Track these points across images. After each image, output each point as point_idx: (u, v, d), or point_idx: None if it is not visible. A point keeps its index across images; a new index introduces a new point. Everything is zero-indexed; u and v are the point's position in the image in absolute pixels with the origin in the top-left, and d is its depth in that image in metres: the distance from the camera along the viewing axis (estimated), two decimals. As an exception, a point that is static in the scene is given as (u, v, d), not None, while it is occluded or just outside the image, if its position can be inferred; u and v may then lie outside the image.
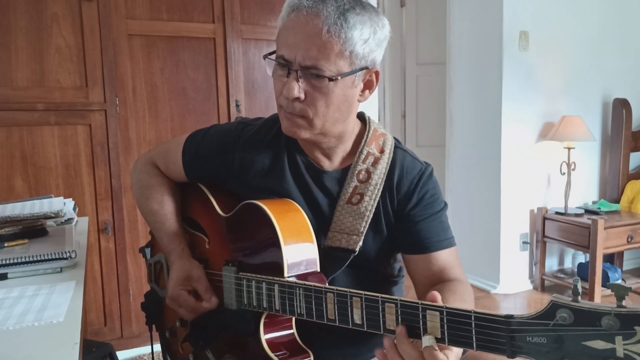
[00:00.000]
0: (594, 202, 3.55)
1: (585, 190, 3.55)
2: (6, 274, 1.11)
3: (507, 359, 0.65)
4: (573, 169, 3.25)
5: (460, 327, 0.68)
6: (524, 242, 3.41)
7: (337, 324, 0.82)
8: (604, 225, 2.99)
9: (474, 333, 0.67)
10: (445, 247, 1.02)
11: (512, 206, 3.33)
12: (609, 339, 0.57)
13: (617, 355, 0.57)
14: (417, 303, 0.72)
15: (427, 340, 0.71)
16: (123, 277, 2.42)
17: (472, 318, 0.66)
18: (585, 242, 3.05)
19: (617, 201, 3.44)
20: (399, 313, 0.73)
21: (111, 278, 2.40)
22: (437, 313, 0.70)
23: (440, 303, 0.71)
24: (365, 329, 0.78)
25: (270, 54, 0.95)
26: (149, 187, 1.16)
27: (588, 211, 3.28)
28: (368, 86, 0.97)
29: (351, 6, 0.89)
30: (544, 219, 3.29)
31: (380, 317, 0.75)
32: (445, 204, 1.06)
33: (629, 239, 3.10)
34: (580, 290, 0.60)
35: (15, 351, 0.76)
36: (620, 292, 0.57)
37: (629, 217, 3.22)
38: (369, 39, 0.91)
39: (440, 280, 1.00)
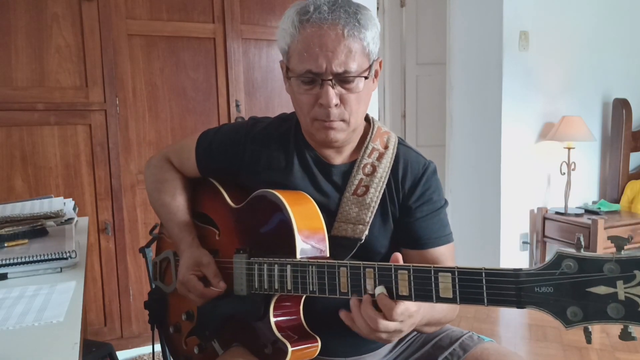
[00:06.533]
0: (594, 202, 3.55)
1: (585, 190, 3.55)
2: (6, 274, 1.11)
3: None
4: (573, 169, 3.25)
5: (471, 284, 0.72)
6: (524, 242, 3.41)
7: (350, 296, 0.85)
8: (604, 225, 2.99)
9: (484, 289, 0.70)
10: (442, 244, 1.04)
11: (512, 206, 3.32)
12: (610, 284, 0.62)
13: (618, 299, 0.61)
14: (430, 267, 0.76)
15: (378, 290, 0.79)
16: (123, 277, 2.42)
17: (483, 275, 0.70)
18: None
19: (617, 201, 3.44)
20: (412, 278, 0.77)
21: (111, 278, 2.40)
22: (449, 274, 0.73)
23: (401, 262, 0.79)
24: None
25: (289, 71, 0.99)
26: (163, 181, 1.20)
27: (588, 211, 3.28)
28: (376, 75, 1.04)
29: (356, 9, 0.96)
30: (544, 219, 3.29)
31: (393, 284, 0.79)
32: (446, 201, 1.08)
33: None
34: (583, 243, 0.65)
35: (15, 351, 0.76)
36: (619, 242, 0.62)
37: (629, 217, 3.22)
38: (375, 35, 0.98)
39: None
